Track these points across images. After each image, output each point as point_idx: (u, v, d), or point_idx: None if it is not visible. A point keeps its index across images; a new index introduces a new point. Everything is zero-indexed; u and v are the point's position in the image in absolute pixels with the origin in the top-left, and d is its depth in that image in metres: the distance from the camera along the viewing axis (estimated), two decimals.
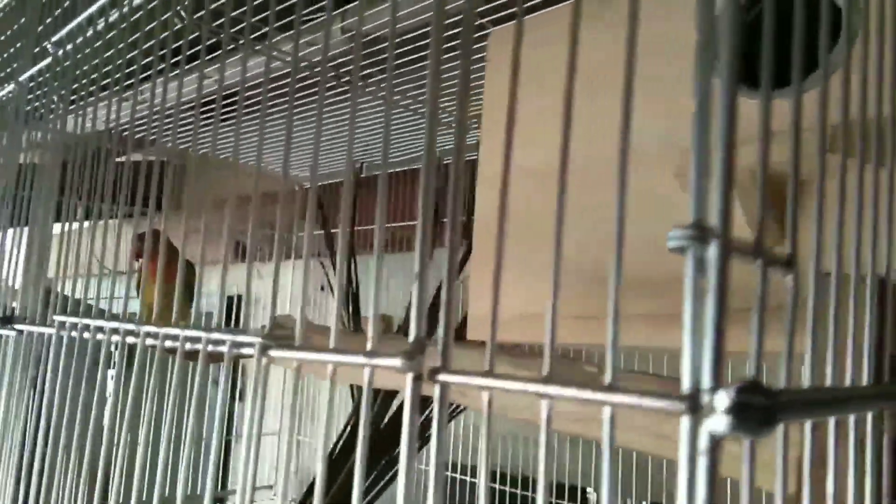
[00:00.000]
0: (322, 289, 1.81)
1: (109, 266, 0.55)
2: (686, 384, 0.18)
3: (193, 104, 0.47)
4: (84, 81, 0.59)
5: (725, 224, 0.17)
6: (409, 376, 0.22)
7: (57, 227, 0.66)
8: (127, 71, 0.55)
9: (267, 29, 0.94)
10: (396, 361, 0.23)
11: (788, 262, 0.20)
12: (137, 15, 0.54)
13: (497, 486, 1.52)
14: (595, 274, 0.61)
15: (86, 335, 0.44)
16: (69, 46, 0.54)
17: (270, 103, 1.25)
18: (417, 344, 0.23)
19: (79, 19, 0.57)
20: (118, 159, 0.54)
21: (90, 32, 0.58)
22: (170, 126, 0.48)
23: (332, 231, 1.70)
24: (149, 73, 0.53)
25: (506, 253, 0.71)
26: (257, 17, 0.81)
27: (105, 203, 0.51)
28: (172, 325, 0.35)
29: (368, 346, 0.27)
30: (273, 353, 0.27)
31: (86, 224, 0.57)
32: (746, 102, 0.49)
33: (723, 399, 0.17)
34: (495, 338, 0.25)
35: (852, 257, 0.31)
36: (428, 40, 0.97)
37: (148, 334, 0.36)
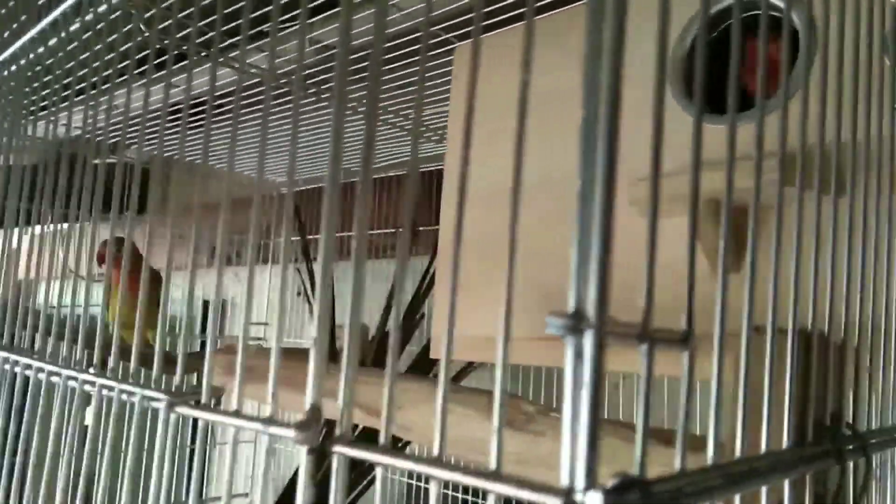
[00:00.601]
0: (298, 294, 1.79)
1: (79, 272, 0.54)
2: (564, 478, 0.17)
3: (161, 112, 0.46)
4: (47, 91, 0.58)
5: (601, 314, 0.16)
6: (303, 450, 0.21)
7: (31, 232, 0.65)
8: (93, 80, 0.54)
9: (231, 40, 0.93)
10: (290, 432, 0.22)
11: (685, 339, 0.20)
12: (100, 26, 0.53)
13: None
14: (560, 294, 0.60)
15: (27, 372, 0.43)
16: (13, 67, 0.53)
17: (247, 108, 1.24)
18: (313, 413, 0.22)
19: (27, 36, 0.56)
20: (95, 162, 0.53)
21: (50, 42, 0.57)
22: (137, 133, 0.48)
23: (309, 237, 1.69)
24: (121, 79, 0.52)
25: (469, 273, 0.71)
26: (226, 28, 0.80)
27: (74, 207, 0.50)
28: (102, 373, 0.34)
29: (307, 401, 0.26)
30: (180, 409, 0.27)
31: (54, 228, 0.56)
32: (707, 128, 0.48)
33: (595, 499, 0.16)
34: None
35: (788, 310, 0.31)
36: (398, 53, 0.95)
37: (70, 377, 0.35)
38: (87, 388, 0.34)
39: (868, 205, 0.43)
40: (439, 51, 0.86)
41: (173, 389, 0.27)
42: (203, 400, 0.26)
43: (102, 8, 0.44)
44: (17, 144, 0.64)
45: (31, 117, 0.65)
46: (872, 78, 0.42)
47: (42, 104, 0.61)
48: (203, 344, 1.88)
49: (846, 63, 0.41)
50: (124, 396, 0.30)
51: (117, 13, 0.50)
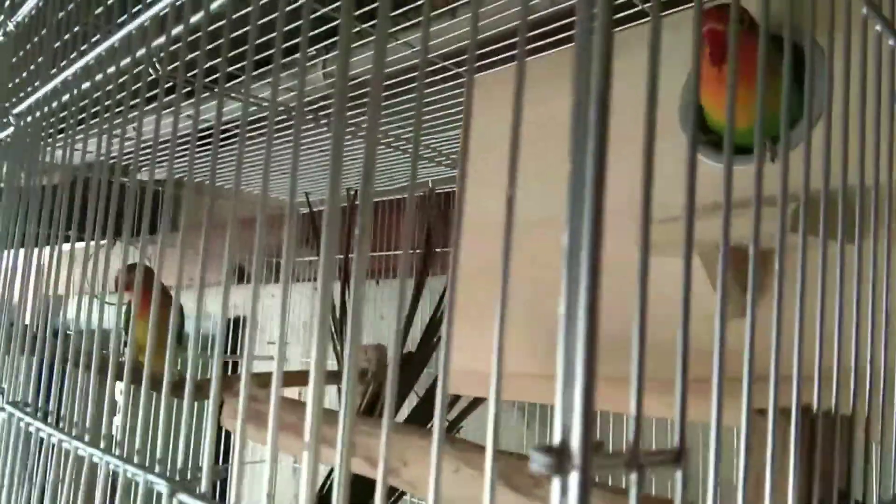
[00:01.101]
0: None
1: (97, 292, 0.55)
2: None
3: (185, 139, 0.48)
4: (71, 120, 0.60)
5: (586, 454, 0.16)
6: None
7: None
8: (116, 110, 0.56)
9: (233, 73, 0.95)
10: None
11: (677, 458, 0.20)
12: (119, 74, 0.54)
13: None
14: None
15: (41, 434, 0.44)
16: (28, 118, 0.55)
17: (263, 134, 1.25)
18: None
19: (45, 89, 0.58)
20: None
21: (73, 91, 0.59)
22: (158, 157, 0.49)
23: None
24: (132, 113, 0.54)
25: (481, 305, 0.70)
26: (233, 67, 0.82)
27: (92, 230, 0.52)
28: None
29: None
30: (181, 496, 0.27)
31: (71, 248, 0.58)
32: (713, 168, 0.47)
33: None
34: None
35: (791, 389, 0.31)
36: (397, 79, 0.96)
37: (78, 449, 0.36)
38: (94, 461, 0.35)
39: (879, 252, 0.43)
40: (453, 83, 0.87)
41: (178, 470, 0.28)
42: (202, 489, 0.27)
43: (125, 61, 0.45)
44: (36, 169, 0.67)
45: (49, 143, 0.67)
46: (882, 127, 0.41)
47: (60, 128, 0.63)
48: (226, 365, 1.91)
49: (853, 111, 0.41)
50: (129, 475, 0.31)
51: (140, 67, 0.52)
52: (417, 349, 1.35)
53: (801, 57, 0.43)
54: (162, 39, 0.45)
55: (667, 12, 0.64)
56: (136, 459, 0.32)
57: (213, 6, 0.41)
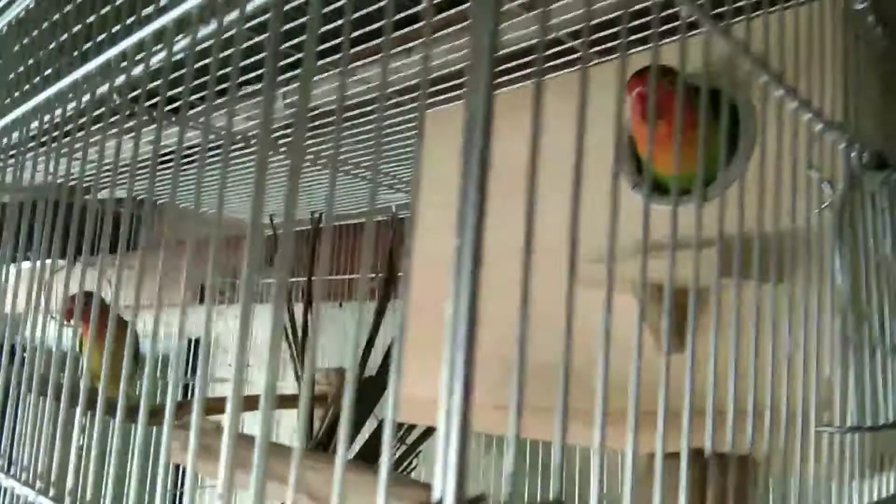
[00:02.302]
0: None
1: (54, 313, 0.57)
2: None
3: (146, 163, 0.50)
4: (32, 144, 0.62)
5: None
6: None
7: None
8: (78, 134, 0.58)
9: (195, 101, 0.97)
10: None
11: None
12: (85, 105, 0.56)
13: None
14: (512, 363, 0.62)
15: None
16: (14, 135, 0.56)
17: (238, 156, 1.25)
18: None
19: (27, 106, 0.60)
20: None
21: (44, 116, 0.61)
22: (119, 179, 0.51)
23: (291, 280, 1.71)
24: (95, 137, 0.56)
25: (433, 337, 0.72)
26: (195, 96, 0.83)
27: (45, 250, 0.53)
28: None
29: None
30: None
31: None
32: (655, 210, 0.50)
33: None
34: None
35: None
36: (359, 110, 0.98)
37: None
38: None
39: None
40: (407, 116, 0.91)
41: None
42: None
43: (102, 89, 0.47)
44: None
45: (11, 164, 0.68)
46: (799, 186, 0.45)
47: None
48: (187, 388, 1.89)
49: (769, 168, 0.44)
50: None
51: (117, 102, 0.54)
52: (377, 373, 1.37)
53: (733, 111, 0.46)
54: (122, 79, 0.46)
55: (597, 61, 0.68)
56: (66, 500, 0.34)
57: (176, 48, 0.43)
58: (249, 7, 0.29)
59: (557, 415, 0.23)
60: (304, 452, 0.31)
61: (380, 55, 0.77)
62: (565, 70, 0.72)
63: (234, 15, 0.30)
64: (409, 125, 0.97)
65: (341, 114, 0.27)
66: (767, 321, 0.43)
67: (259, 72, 0.83)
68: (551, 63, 0.72)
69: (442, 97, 0.87)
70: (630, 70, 0.53)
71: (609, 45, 0.62)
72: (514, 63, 0.69)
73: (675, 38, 0.35)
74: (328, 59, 0.79)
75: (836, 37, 0.51)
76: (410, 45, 0.76)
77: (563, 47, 0.69)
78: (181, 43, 0.39)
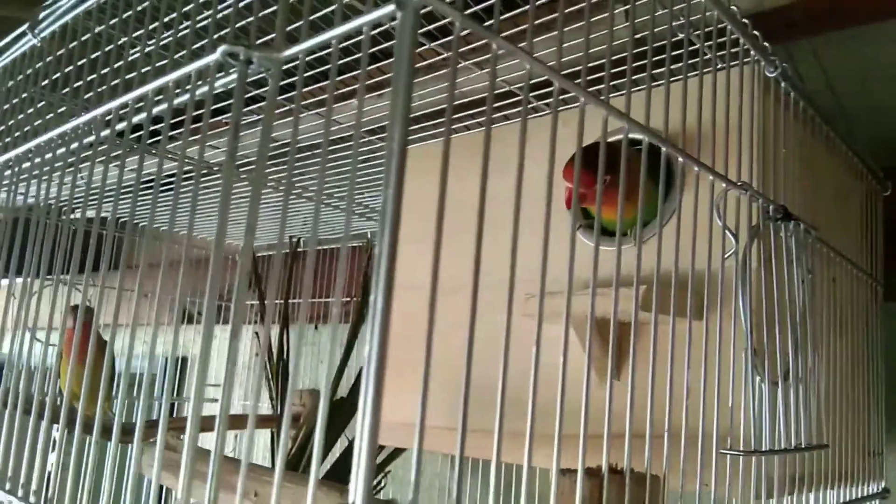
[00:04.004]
0: (257, 355, 1.85)
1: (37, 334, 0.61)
2: None
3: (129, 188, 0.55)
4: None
5: None
6: None
7: None
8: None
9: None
10: None
11: None
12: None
13: None
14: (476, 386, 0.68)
15: None
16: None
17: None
18: None
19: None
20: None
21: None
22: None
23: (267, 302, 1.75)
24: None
25: (402, 361, 0.78)
26: (176, 130, 0.89)
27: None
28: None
29: None
30: None
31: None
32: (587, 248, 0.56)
33: None
34: None
35: None
36: (335, 146, 1.04)
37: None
38: None
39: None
40: (378, 152, 0.97)
41: None
42: None
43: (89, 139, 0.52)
44: None
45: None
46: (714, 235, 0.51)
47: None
48: (173, 406, 1.91)
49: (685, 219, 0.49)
50: None
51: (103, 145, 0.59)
52: (349, 394, 1.41)
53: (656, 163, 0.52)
54: (106, 133, 0.51)
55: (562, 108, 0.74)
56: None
57: (155, 110, 0.48)
58: (218, 84, 0.35)
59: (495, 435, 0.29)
60: (273, 472, 0.36)
61: (351, 100, 0.83)
62: (516, 119, 0.79)
63: (204, 89, 0.36)
64: (380, 159, 1.03)
65: (326, 154, 0.32)
66: (684, 354, 0.49)
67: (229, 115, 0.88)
68: (502, 113, 0.78)
69: (420, 135, 0.93)
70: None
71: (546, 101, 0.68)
72: (471, 111, 0.75)
73: (575, 105, 0.41)
74: (305, 102, 0.85)
75: (752, 101, 0.57)
76: (381, 92, 0.82)
77: (513, 100, 0.76)
78: (160, 106, 0.44)
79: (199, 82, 0.37)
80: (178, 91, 0.40)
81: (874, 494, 0.79)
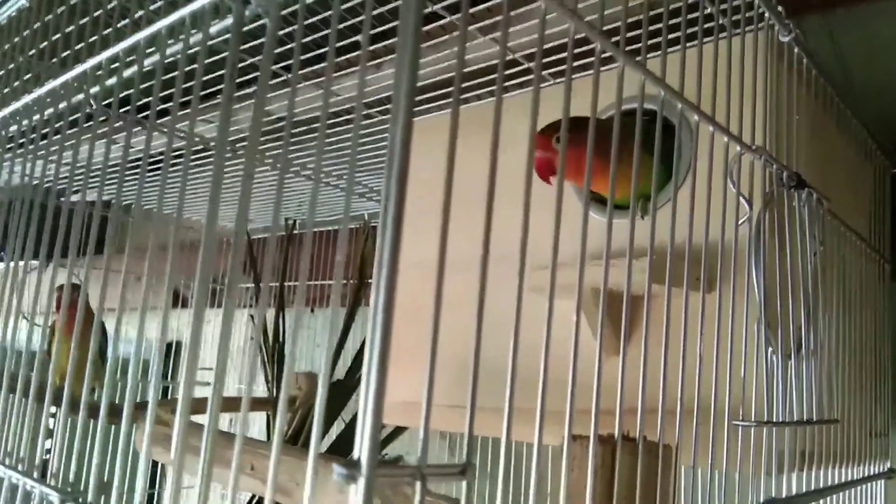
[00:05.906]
0: (252, 339, 1.83)
1: (26, 313, 0.59)
2: None
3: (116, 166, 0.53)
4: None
5: (371, 469, 0.21)
6: None
7: None
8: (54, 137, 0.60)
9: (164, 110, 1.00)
10: None
11: (463, 471, 0.25)
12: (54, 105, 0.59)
13: None
14: (468, 365, 0.66)
15: None
16: None
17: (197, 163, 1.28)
18: None
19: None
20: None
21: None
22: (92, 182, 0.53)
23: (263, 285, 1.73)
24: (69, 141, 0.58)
25: (403, 341, 0.76)
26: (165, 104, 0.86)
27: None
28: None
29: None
30: None
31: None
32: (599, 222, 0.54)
33: None
34: None
35: None
36: (334, 120, 1.02)
37: None
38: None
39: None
40: (379, 127, 0.94)
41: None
42: (89, 499, 0.31)
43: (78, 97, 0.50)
44: None
45: None
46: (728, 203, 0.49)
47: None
48: (167, 390, 1.90)
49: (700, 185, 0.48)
50: (28, 488, 0.35)
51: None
52: (346, 376, 1.39)
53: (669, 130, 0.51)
54: (96, 88, 0.49)
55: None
56: (34, 474, 0.36)
57: (147, 62, 0.46)
58: (213, 29, 0.33)
59: (468, 407, 0.27)
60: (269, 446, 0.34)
61: (352, 69, 0.81)
62: (521, 90, 0.77)
63: (198, 37, 0.34)
64: (381, 137, 1.01)
65: (324, 129, 0.31)
66: (696, 327, 0.47)
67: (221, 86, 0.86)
68: (512, 81, 0.76)
69: (423, 107, 0.90)
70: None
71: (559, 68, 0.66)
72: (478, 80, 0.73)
73: (589, 72, 0.39)
74: (303, 71, 0.83)
75: (766, 67, 0.55)
76: (381, 60, 0.79)
77: (519, 68, 0.74)
78: (152, 58, 0.42)
79: (194, 30, 0.35)
80: (170, 41, 0.37)
81: (880, 474, 0.78)
